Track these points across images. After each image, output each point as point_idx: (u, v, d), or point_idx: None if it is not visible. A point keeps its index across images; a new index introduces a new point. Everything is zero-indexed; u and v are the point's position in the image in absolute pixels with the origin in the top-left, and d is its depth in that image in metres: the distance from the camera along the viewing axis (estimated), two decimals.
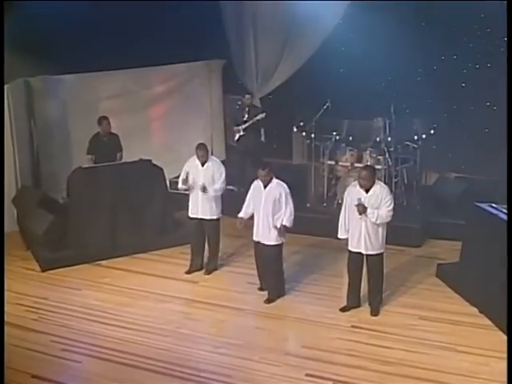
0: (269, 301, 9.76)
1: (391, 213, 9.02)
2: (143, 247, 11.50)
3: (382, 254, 9.27)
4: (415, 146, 12.30)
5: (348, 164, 12.23)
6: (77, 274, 10.87)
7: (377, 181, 9.14)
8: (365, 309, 9.49)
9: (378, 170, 11.95)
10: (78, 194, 11.27)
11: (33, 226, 11.51)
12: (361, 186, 9.05)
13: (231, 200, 12.62)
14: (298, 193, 12.77)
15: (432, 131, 12.18)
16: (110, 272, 10.97)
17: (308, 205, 12.52)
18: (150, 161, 11.71)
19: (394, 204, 11.73)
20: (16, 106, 12.47)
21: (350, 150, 12.29)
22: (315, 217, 12.14)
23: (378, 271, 9.32)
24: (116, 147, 12.04)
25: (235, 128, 13.48)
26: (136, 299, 10.05)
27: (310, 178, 12.68)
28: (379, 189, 9.03)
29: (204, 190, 10.34)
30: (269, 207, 9.51)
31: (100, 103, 13.89)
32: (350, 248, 9.30)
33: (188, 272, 10.77)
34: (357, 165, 12.16)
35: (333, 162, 12.39)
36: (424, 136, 12.09)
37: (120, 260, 11.29)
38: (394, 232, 11.08)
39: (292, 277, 10.50)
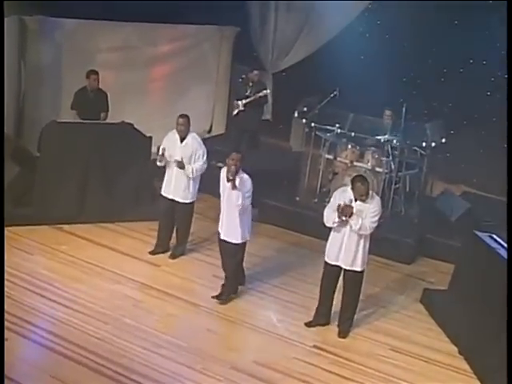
0: (217, 296, 8.65)
1: (374, 225, 7.86)
2: (111, 216, 10.34)
3: (363, 271, 8.06)
4: (423, 152, 10.99)
5: (347, 161, 10.97)
6: (35, 235, 9.76)
7: (371, 192, 7.94)
8: (333, 327, 8.32)
9: (379, 173, 10.76)
10: (49, 150, 10.07)
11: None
12: (360, 199, 7.84)
13: (218, 178, 11.65)
14: (289, 183, 11.78)
15: (443, 140, 10.84)
16: (69, 239, 9.86)
17: (297, 198, 11.29)
18: (131, 125, 10.52)
19: (391, 213, 10.80)
20: (7, 44, 11.23)
21: (352, 147, 11.02)
22: (303, 213, 10.91)
23: (355, 290, 8.14)
24: (102, 105, 10.87)
25: (235, 102, 12.25)
26: (88, 275, 8.97)
27: (305, 169, 11.42)
28: (369, 198, 7.83)
29: (181, 166, 9.15)
30: (231, 202, 8.33)
31: (98, 54, 12.76)
32: (326, 259, 8.12)
33: (152, 252, 9.63)
34: (356, 163, 10.92)
35: (331, 157, 11.12)
36: (433, 144, 10.75)
37: (84, 227, 10.14)
38: (385, 244, 10.07)
39: (261, 276, 9.39)
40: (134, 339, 7.65)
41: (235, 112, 12.31)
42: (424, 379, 7.53)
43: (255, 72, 12.13)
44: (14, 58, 11.55)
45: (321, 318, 8.30)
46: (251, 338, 8.07)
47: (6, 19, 11.09)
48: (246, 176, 8.37)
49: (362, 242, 7.90)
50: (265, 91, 12.00)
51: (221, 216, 8.57)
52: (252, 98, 12.04)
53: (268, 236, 10.71)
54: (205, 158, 9.35)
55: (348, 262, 7.95)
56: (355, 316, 8.34)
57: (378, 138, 10.93)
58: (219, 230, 8.61)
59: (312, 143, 11.37)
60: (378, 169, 10.81)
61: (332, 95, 11.17)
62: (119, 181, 10.41)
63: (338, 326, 8.24)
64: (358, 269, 7.97)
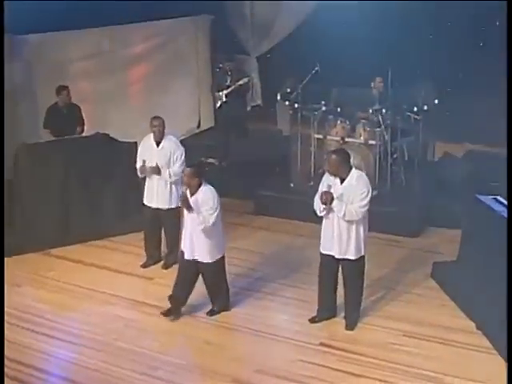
0: (211, 313, 7.92)
1: (363, 209, 7.14)
2: (100, 233, 9.78)
3: (360, 259, 7.38)
4: (417, 117, 10.26)
5: (338, 138, 10.27)
6: (22, 264, 9.18)
7: (354, 169, 7.23)
8: (340, 320, 7.68)
9: (373, 145, 10.08)
10: (23, 174, 9.51)
11: None
12: (330, 174, 7.19)
13: (211, 176, 11.09)
14: (282, 169, 11.12)
15: (436, 101, 10.10)
16: (58, 263, 9.30)
17: (292, 184, 10.63)
18: (107, 135, 9.92)
19: (391, 185, 10.12)
20: None
21: (341, 122, 10.32)
22: (299, 199, 10.22)
23: (355, 280, 7.46)
24: (76, 120, 10.26)
25: (216, 94, 11.64)
26: (78, 299, 8.40)
27: (296, 152, 10.74)
28: (356, 180, 7.14)
29: (155, 171, 8.55)
30: (193, 224, 7.50)
31: (71, 65, 12.19)
32: (321, 249, 7.47)
33: (144, 265, 9.05)
34: (348, 139, 10.24)
35: (321, 136, 10.43)
36: (426, 107, 10.02)
37: (73, 248, 9.59)
38: (388, 218, 9.43)
39: (260, 274, 8.78)
40: (129, 364, 7.07)
41: (218, 104, 11.72)
42: (442, 365, 6.84)
43: (227, 63, 11.61)
44: None
45: (324, 312, 7.66)
46: (252, 344, 7.42)
47: None
48: (208, 189, 7.50)
49: (353, 228, 7.22)
50: (245, 79, 11.44)
51: (184, 232, 7.72)
52: (232, 88, 11.45)
53: (265, 229, 10.09)
54: (183, 158, 8.71)
55: (341, 250, 7.29)
56: (361, 305, 7.68)
57: (367, 109, 10.21)
58: (182, 248, 7.77)
59: (300, 125, 10.67)
60: (371, 141, 10.14)
61: (313, 71, 10.46)
62: (103, 195, 9.84)
63: (345, 318, 7.60)
64: (352, 257, 7.29)
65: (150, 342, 7.44)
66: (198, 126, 13.73)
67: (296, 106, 10.35)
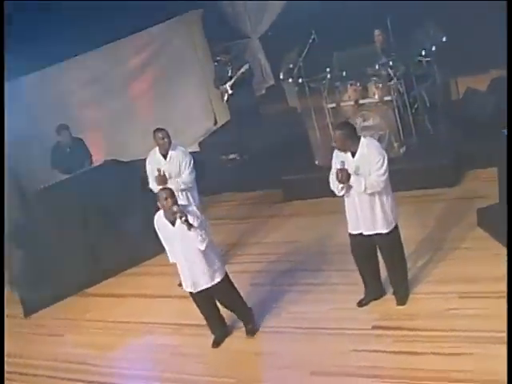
0: (251, 332, 7.22)
1: (383, 177, 6.43)
2: (131, 261, 9.33)
3: (392, 230, 6.69)
4: (428, 59, 9.46)
5: (352, 102, 9.59)
6: (60, 312, 8.90)
7: (363, 138, 6.56)
8: (390, 297, 7.03)
9: (390, 101, 9.38)
10: (42, 220, 9.15)
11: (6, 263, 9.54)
12: (339, 150, 6.56)
13: (234, 171, 10.52)
14: (303, 148, 10.46)
15: (444, 38, 9.28)
16: (94, 302, 8.93)
17: (317, 162, 9.98)
18: (115, 160, 9.49)
19: (418, 137, 9.43)
20: None
21: (352, 85, 9.61)
22: (327, 175, 9.56)
23: (393, 253, 6.79)
24: (83, 154, 9.86)
25: (221, 88, 11.08)
26: (119, 336, 8.00)
27: (314, 128, 10.09)
28: (367, 148, 6.48)
29: (163, 180, 7.93)
30: (189, 250, 6.73)
31: (73, 96, 11.88)
32: (349, 230, 6.84)
33: (180, 284, 8.53)
34: (363, 101, 9.55)
35: (334, 105, 9.76)
36: (434, 48, 9.22)
37: (106, 283, 9.22)
38: (422, 173, 8.76)
39: (298, 264, 8.21)
40: None
41: (226, 98, 11.16)
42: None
43: (224, 55, 11.03)
44: None
45: (371, 293, 7.04)
46: (303, 345, 6.82)
47: None
48: (190, 208, 6.74)
49: (377, 200, 6.54)
50: (245, 65, 10.84)
51: (180, 267, 6.94)
52: (235, 78, 10.89)
53: (296, 215, 9.54)
54: (191, 165, 8.14)
55: (369, 226, 6.64)
56: (408, 275, 7.03)
57: (374, 65, 9.49)
58: (183, 283, 7.07)
59: (310, 98, 10.01)
60: (386, 97, 9.43)
61: (310, 41, 9.80)
62: (125, 221, 9.31)
63: (394, 294, 6.97)
64: (384, 231, 6.62)
65: (196, 367, 7.00)
66: (215, 123, 13.18)
67: (300, 80, 9.66)
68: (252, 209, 10.11)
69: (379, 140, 9.25)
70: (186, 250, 6.70)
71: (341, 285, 7.56)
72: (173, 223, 6.60)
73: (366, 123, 9.43)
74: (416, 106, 9.71)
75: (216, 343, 7.19)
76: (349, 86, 9.63)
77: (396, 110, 9.35)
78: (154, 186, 8.00)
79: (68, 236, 9.11)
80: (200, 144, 12.41)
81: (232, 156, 11.25)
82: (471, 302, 6.62)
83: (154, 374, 7.10)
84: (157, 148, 8.28)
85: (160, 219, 6.71)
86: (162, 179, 7.98)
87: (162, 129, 8.23)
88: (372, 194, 6.49)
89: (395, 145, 9.37)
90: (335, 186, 6.57)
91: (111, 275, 9.25)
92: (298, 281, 7.92)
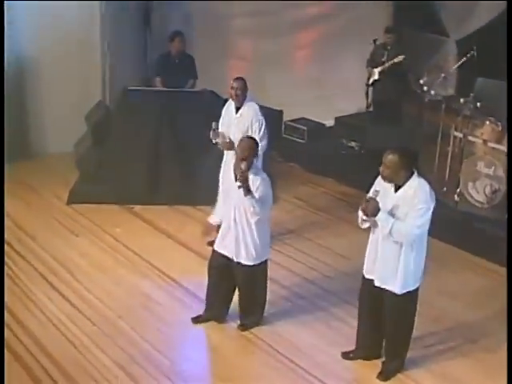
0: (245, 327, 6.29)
1: (418, 230, 5.18)
2: (189, 199, 8.47)
3: (406, 295, 5.41)
4: None
5: (481, 141, 8.10)
6: (97, 215, 8.32)
7: (416, 176, 5.27)
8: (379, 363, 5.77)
9: None
10: (118, 122, 8.60)
11: (80, 149, 9.21)
12: (383, 178, 5.31)
13: (347, 161, 9.28)
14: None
15: None
16: (131, 221, 8.30)
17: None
18: (214, 93, 8.67)
19: None
20: None
21: (491, 122, 8.08)
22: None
23: (398, 318, 5.51)
24: (188, 71, 8.99)
25: (369, 69, 9.85)
26: (118, 264, 7.34)
27: (434, 151, 8.69)
28: (414, 190, 5.21)
29: (231, 147, 6.93)
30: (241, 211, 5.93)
31: (233, 20, 11.30)
32: (364, 272, 5.62)
33: (210, 244, 7.63)
34: (494, 145, 8.01)
35: (460, 135, 8.29)
36: None
37: (156, 209, 8.45)
38: None
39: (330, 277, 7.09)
40: (113, 352, 5.88)
41: (370, 82, 9.91)
42: None
43: (389, 36, 9.67)
44: None
45: (360, 350, 5.82)
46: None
47: None
48: (259, 176, 5.89)
49: (402, 252, 5.28)
50: (400, 57, 9.47)
51: (222, 225, 6.14)
52: (387, 65, 9.60)
53: None
54: (262, 131, 7.08)
55: (383, 278, 5.40)
56: (407, 352, 5.69)
57: None
58: (217, 247, 6.19)
59: (443, 117, 8.60)
60: None
61: (468, 55, 8.36)
62: (198, 158, 8.47)
63: (382, 364, 5.70)
64: (396, 290, 5.37)
65: (155, 333, 6.17)
66: (368, 107, 11.84)
67: (432, 92, 8.27)
68: (336, 204, 8.96)
69: (492, 195, 7.85)
70: (238, 211, 5.91)
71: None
72: (236, 178, 5.83)
73: (486, 170, 7.96)
74: None
75: (197, 320, 6.32)
76: (487, 122, 8.10)
77: None
78: (212, 134, 7.09)
79: (137, 146, 8.53)
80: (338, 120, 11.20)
81: (352, 144, 10.06)
82: None
83: (109, 317, 6.39)
84: None
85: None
86: (229, 146, 7.05)
87: (240, 78, 7.14)
88: (397, 243, 5.23)
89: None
90: (359, 215, 5.36)
91: (166, 204, 8.53)
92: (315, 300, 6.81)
